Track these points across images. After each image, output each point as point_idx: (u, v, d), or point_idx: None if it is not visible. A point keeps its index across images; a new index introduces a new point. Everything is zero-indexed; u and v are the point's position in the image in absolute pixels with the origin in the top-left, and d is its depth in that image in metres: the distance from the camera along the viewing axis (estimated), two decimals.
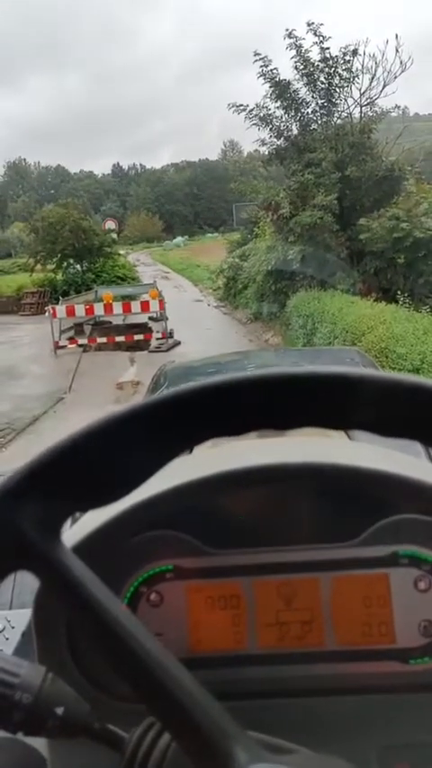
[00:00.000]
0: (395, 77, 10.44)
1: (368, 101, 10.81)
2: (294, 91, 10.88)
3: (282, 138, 11.16)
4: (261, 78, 10.88)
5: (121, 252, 23.64)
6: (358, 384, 0.30)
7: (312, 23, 10.44)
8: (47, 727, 0.41)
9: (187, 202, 76.88)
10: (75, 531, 0.54)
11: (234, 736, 0.32)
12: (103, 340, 11.11)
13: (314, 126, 11.07)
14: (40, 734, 0.42)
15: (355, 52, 10.51)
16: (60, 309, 11.09)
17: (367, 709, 0.56)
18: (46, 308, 12.08)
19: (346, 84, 10.78)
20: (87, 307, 11.29)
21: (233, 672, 0.57)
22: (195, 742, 0.33)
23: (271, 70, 10.85)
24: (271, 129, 11.10)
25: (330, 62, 10.62)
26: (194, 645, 0.58)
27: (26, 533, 0.32)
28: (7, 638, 0.74)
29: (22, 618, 0.75)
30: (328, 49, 10.56)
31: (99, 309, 11.16)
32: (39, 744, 0.51)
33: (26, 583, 0.66)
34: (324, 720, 0.55)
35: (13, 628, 0.75)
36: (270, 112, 11.03)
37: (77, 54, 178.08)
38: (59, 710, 0.41)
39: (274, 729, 0.40)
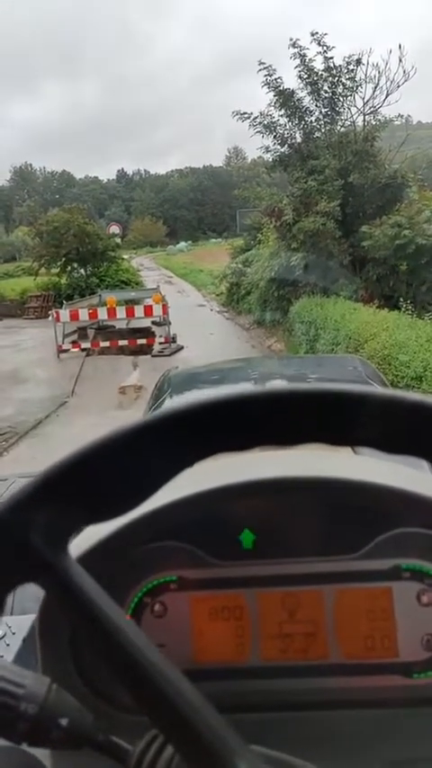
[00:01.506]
0: (398, 86, 10.51)
1: (371, 109, 10.89)
2: (298, 99, 10.95)
3: (285, 146, 11.21)
4: (265, 87, 10.96)
5: (125, 256, 23.70)
6: (361, 401, 0.30)
7: (316, 33, 10.53)
8: (51, 738, 0.41)
9: (191, 208, 77.08)
10: (80, 542, 0.54)
11: (237, 749, 0.32)
12: (107, 344, 11.14)
13: (318, 134, 11.12)
14: (44, 745, 0.42)
15: (358, 61, 10.59)
16: (64, 313, 11.11)
17: (371, 723, 0.56)
18: (50, 312, 12.11)
19: (349, 93, 10.85)
20: (91, 311, 11.31)
21: (236, 684, 0.58)
22: (198, 755, 0.33)
23: (275, 79, 10.93)
24: (275, 137, 11.17)
25: (334, 71, 10.68)
26: (197, 656, 0.58)
27: (35, 546, 0.32)
28: (8, 645, 0.74)
29: (23, 624, 0.75)
30: (331, 58, 10.65)
31: (103, 314, 11.20)
32: (42, 755, 0.51)
33: (27, 589, 0.67)
34: (328, 734, 0.55)
35: (14, 634, 0.75)
36: (274, 120, 11.11)
37: (84, 61, 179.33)
38: (64, 722, 0.41)
39: (276, 743, 0.40)
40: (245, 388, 0.31)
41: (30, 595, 0.73)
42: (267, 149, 11.40)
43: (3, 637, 0.75)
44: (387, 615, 0.57)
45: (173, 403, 2.67)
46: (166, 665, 0.33)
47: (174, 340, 11.25)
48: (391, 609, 0.57)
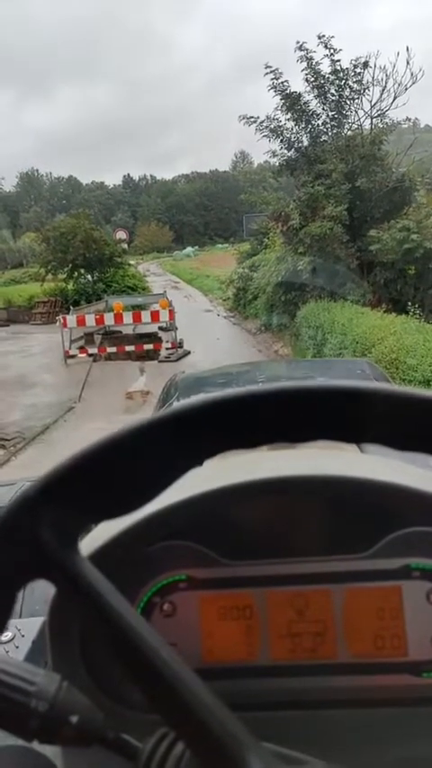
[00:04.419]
0: (405, 89, 10.51)
1: (379, 112, 10.90)
2: (305, 103, 10.98)
3: (292, 150, 11.25)
4: (272, 90, 11.00)
5: (132, 262, 23.80)
6: (371, 398, 0.30)
7: (323, 36, 10.56)
8: (61, 736, 0.41)
9: (198, 213, 77.38)
10: (89, 540, 0.54)
11: (248, 745, 0.32)
12: (113, 349, 11.19)
13: (324, 137, 11.15)
14: (54, 742, 0.42)
15: (365, 64, 10.60)
16: (71, 319, 11.18)
17: (380, 721, 0.56)
18: (57, 318, 12.18)
19: (356, 96, 10.87)
20: (98, 316, 11.37)
21: (245, 683, 0.58)
22: (209, 751, 0.33)
23: (282, 83, 10.97)
24: (282, 141, 11.20)
25: (341, 74, 10.71)
26: (207, 655, 0.58)
27: (45, 543, 0.32)
28: (17, 647, 0.74)
29: (32, 626, 0.75)
30: (338, 61, 10.68)
31: (109, 319, 11.24)
32: (52, 752, 0.51)
33: (36, 592, 0.67)
34: (337, 733, 0.55)
35: (23, 636, 0.76)
36: (281, 124, 11.14)
37: (91, 67, 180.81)
38: (74, 719, 0.41)
39: (286, 741, 0.40)
40: (252, 386, 0.31)
41: (38, 598, 0.73)
42: (274, 154, 11.45)
43: (12, 639, 0.75)
44: (396, 614, 0.57)
45: None
46: (179, 663, 0.33)
47: (180, 345, 11.29)
48: (401, 608, 0.57)
